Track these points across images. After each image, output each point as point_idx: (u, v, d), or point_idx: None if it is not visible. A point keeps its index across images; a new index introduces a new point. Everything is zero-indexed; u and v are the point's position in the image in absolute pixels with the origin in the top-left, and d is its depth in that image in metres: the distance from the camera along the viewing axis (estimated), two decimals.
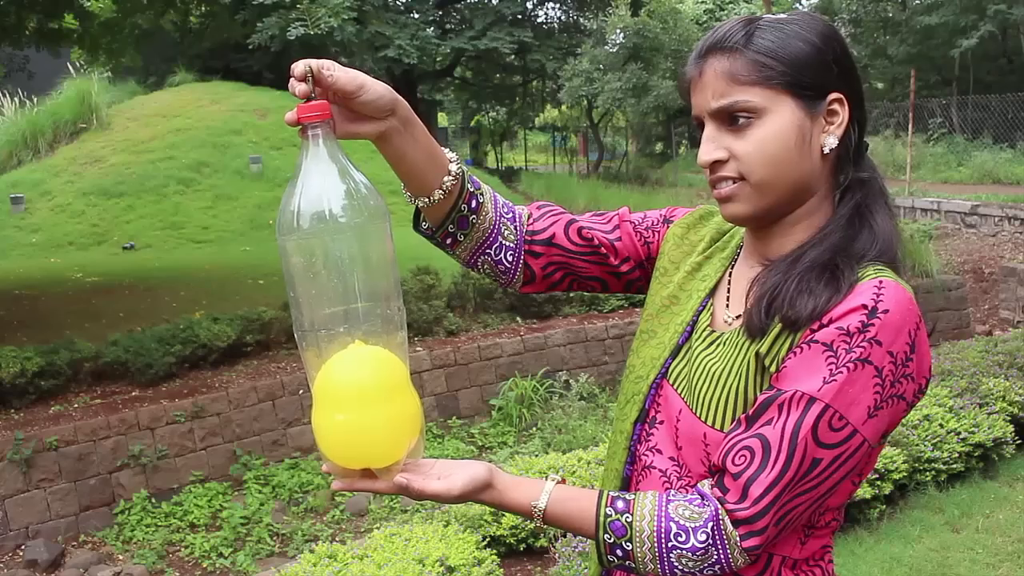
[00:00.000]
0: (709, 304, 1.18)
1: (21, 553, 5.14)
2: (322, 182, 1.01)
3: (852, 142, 1.09)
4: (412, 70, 21.57)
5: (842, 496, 1.08)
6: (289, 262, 1.02)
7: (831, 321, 0.99)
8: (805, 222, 1.09)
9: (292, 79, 1.03)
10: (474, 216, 1.22)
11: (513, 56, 22.28)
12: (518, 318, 7.62)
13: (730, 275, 1.19)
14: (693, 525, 1.02)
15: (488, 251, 1.25)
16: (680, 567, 1.02)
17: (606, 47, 20.50)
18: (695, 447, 1.10)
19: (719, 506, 1.01)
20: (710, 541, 1.01)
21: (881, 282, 0.99)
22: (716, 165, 1.07)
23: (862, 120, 1.09)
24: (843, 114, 1.06)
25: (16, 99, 14.16)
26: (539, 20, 25.48)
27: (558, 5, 25.87)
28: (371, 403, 1.01)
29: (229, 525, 5.41)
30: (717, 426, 1.07)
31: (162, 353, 6.17)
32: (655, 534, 1.02)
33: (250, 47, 16.37)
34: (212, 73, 18.48)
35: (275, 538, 5.37)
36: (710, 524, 1.01)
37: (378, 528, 3.82)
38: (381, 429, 1.02)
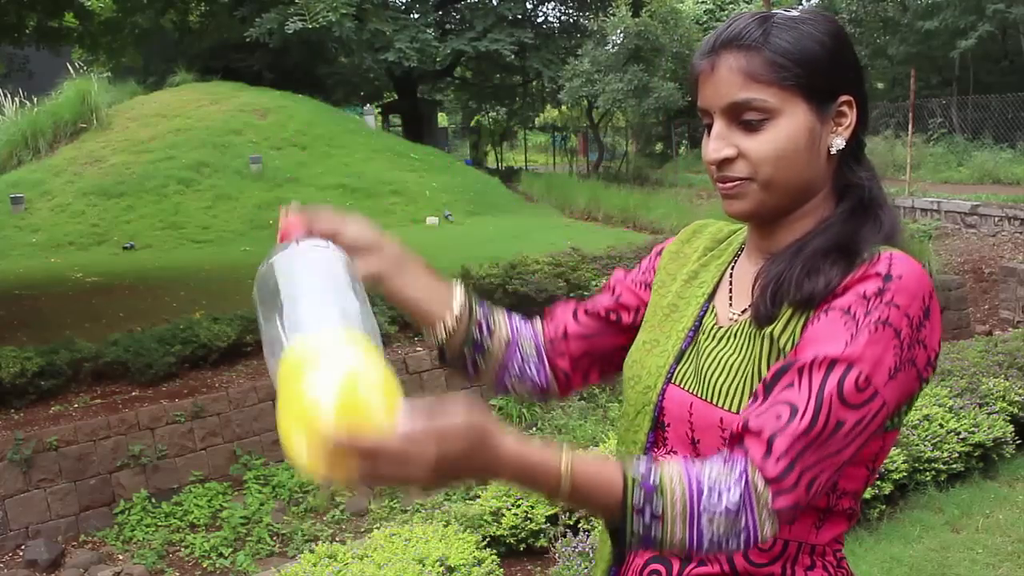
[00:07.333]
0: (711, 308, 1.18)
1: (21, 553, 5.15)
2: None
3: (857, 142, 1.10)
4: (412, 71, 21.59)
5: (857, 481, 1.08)
6: None
7: (846, 289, 0.99)
8: (809, 218, 1.10)
9: None
10: (488, 339, 1.24)
11: (513, 57, 22.27)
12: None
13: (731, 275, 1.19)
14: (723, 484, 0.93)
15: (511, 369, 1.26)
16: (709, 535, 0.93)
17: (606, 48, 20.47)
18: (712, 434, 1.08)
19: (747, 463, 0.94)
20: (742, 502, 0.92)
21: (892, 254, 1.00)
22: (724, 163, 1.06)
23: (865, 121, 1.10)
24: (851, 116, 1.07)
25: (16, 99, 14.16)
26: (539, 21, 25.49)
27: (558, 6, 25.88)
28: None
29: (229, 525, 5.41)
30: (734, 409, 1.05)
31: (162, 353, 6.16)
32: (687, 493, 0.93)
33: (248, 41, 16.30)
34: (212, 73, 18.45)
35: (275, 538, 5.37)
36: (742, 480, 0.93)
37: (378, 528, 3.83)
38: None
